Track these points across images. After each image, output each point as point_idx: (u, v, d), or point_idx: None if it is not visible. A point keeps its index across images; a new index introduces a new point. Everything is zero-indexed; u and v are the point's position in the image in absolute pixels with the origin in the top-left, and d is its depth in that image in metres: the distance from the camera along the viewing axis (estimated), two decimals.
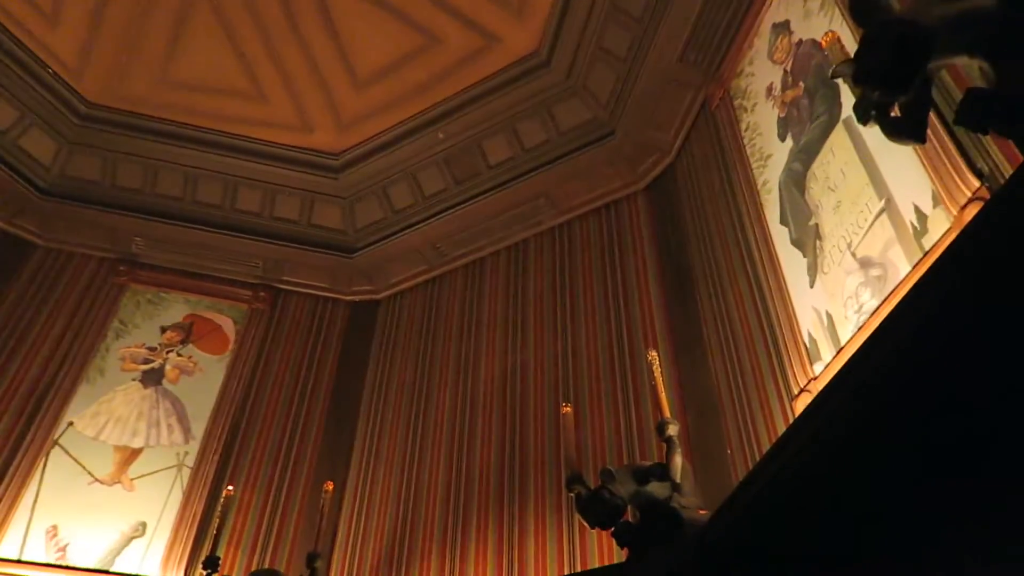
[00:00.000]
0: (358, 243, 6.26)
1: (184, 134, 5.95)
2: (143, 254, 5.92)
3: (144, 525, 4.62)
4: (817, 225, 3.20)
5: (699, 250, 4.31)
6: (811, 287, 3.17)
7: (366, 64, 5.67)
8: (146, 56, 5.66)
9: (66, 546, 4.45)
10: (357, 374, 5.61)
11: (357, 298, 6.15)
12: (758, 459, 2.35)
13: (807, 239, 3.27)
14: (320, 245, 6.22)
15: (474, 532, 4.15)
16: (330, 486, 4.24)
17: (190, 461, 4.96)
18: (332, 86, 5.82)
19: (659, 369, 2.77)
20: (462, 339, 5.28)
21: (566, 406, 3.30)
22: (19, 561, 4.34)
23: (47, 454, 4.80)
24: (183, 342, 5.60)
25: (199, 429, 5.13)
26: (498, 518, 4.12)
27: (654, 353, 2.88)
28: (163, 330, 5.62)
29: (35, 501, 4.59)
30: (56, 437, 4.89)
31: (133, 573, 4.45)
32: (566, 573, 3.54)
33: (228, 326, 5.78)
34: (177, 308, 5.77)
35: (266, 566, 4.43)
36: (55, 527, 4.51)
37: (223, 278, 5.98)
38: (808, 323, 3.12)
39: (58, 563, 4.39)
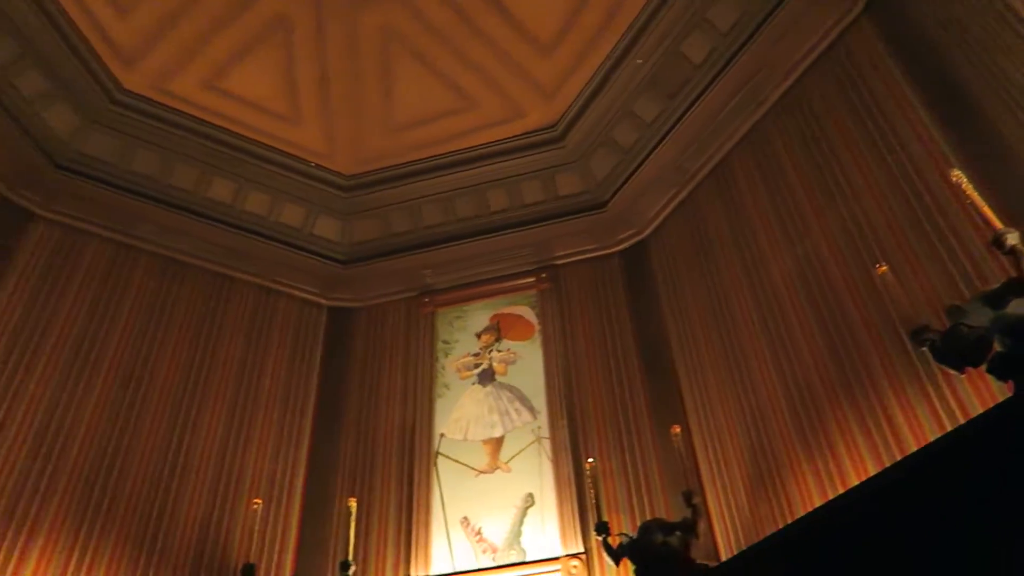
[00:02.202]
0: (605, 195, 6.46)
1: (426, 168, 6.69)
2: (436, 282, 6.73)
3: (531, 495, 5.26)
4: None
5: None
6: None
7: (544, 28, 5.89)
8: (371, 116, 6.47)
9: (480, 529, 5.22)
10: (653, 319, 5.76)
11: (626, 245, 6.33)
12: None
13: None
14: (576, 211, 6.53)
15: (832, 419, 4.07)
16: (677, 428, 4.49)
17: (544, 432, 5.54)
18: (523, 63, 6.11)
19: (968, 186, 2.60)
20: (744, 249, 5.17)
21: (881, 267, 3.22)
22: (457, 574, 5.09)
23: (435, 466, 5.67)
24: (497, 340, 6.28)
25: (540, 404, 5.71)
26: (850, 399, 4.00)
27: (957, 172, 2.70)
28: (478, 336, 6.34)
29: (443, 505, 5.45)
30: (436, 449, 5.76)
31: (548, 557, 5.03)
32: (949, 429, 3.35)
33: (527, 313, 6.35)
34: (481, 314, 6.47)
35: (647, 516, 4.68)
36: (466, 518, 5.31)
37: (505, 275, 6.55)
38: None
39: (486, 559, 5.12)
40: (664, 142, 6.01)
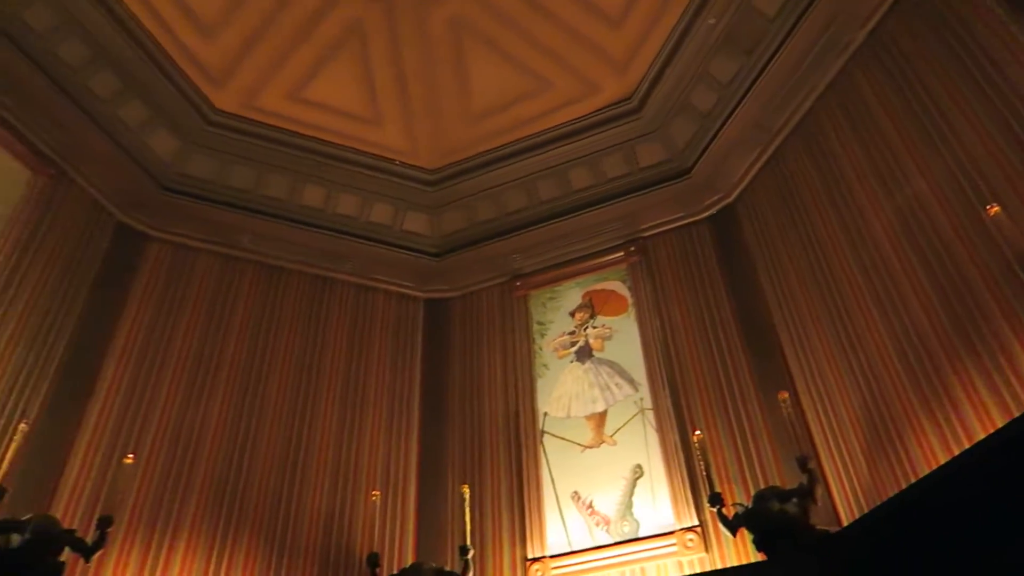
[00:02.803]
0: (688, 162, 6.37)
1: (506, 154, 6.78)
2: (526, 265, 6.83)
3: (639, 467, 5.30)
4: None
5: None
6: None
7: (610, 1, 5.84)
8: (449, 108, 6.60)
9: (591, 502, 5.30)
10: (749, 284, 5.66)
11: (714, 210, 6.22)
12: None
13: None
14: (660, 181, 6.47)
15: (951, 370, 3.90)
16: (784, 394, 4.43)
17: (647, 404, 5.56)
18: (593, 38, 6.08)
19: None
20: (839, 204, 5.00)
21: (992, 207, 3.07)
22: (573, 552, 5.16)
23: (542, 444, 5.78)
24: (591, 316, 6.32)
25: (640, 376, 5.72)
26: (968, 347, 3.82)
27: None
28: (572, 314, 6.40)
29: (552, 482, 5.57)
30: (541, 428, 5.87)
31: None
32: None
33: (619, 287, 6.36)
34: (573, 293, 6.52)
35: (759, 485, 4.63)
36: (576, 493, 5.40)
37: (594, 252, 6.58)
38: None
39: (600, 531, 5.20)
40: (744, 101, 5.86)
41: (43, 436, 4.83)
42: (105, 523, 4.30)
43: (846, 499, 4.34)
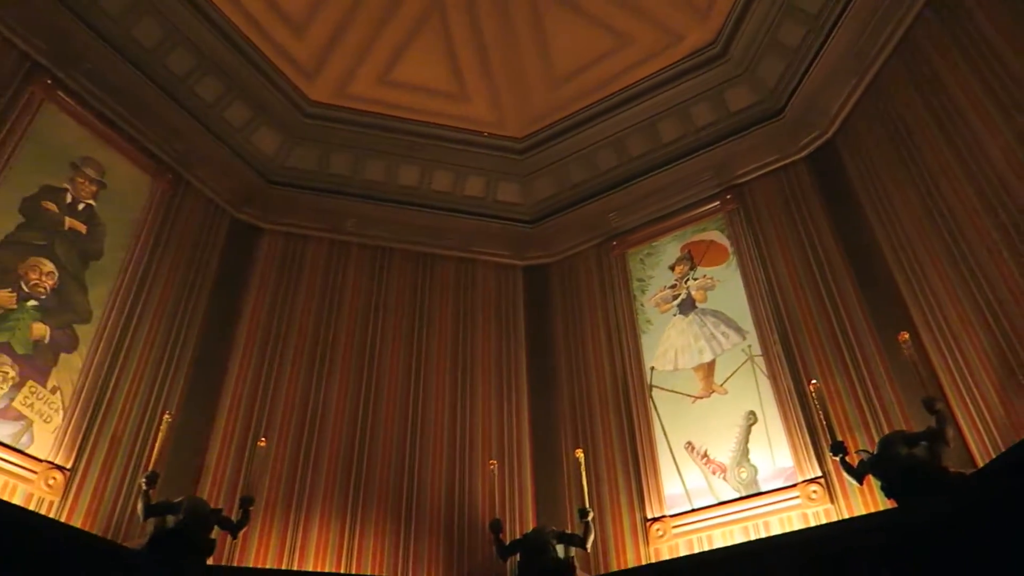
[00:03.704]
0: (780, 101, 6.18)
1: (593, 114, 6.79)
2: (621, 224, 6.84)
3: (752, 413, 5.30)
4: None
5: None
6: None
7: None
8: (532, 74, 6.67)
9: (706, 451, 5.35)
10: (856, 223, 5.49)
11: (812, 149, 6.04)
12: None
13: None
14: (751, 125, 6.33)
15: None
16: (905, 335, 4.31)
17: (756, 350, 5.53)
18: None
19: None
20: (950, 131, 4.73)
21: None
22: (693, 510, 5.16)
23: (651, 399, 5.86)
24: (691, 268, 6.29)
25: (746, 324, 5.69)
26: None
27: None
28: (671, 268, 6.39)
29: (665, 435, 5.64)
30: (649, 383, 5.95)
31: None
32: None
33: (717, 237, 6.30)
34: (671, 247, 6.51)
35: (883, 431, 4.52)
36: (689, 443, 5.45)
37: (689, 204, 6.54)
38: None
39: (717, 480, 5.24)
40: (836, 29, 5.62)
41: (184, 425, 5.28)
42: (247, 502, 4.75)
43: (979, 439, 4.18)
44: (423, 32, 6.30)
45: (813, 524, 4.57)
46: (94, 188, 5.46)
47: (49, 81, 5.28)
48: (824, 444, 4.63)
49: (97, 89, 5.59)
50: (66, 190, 5.26)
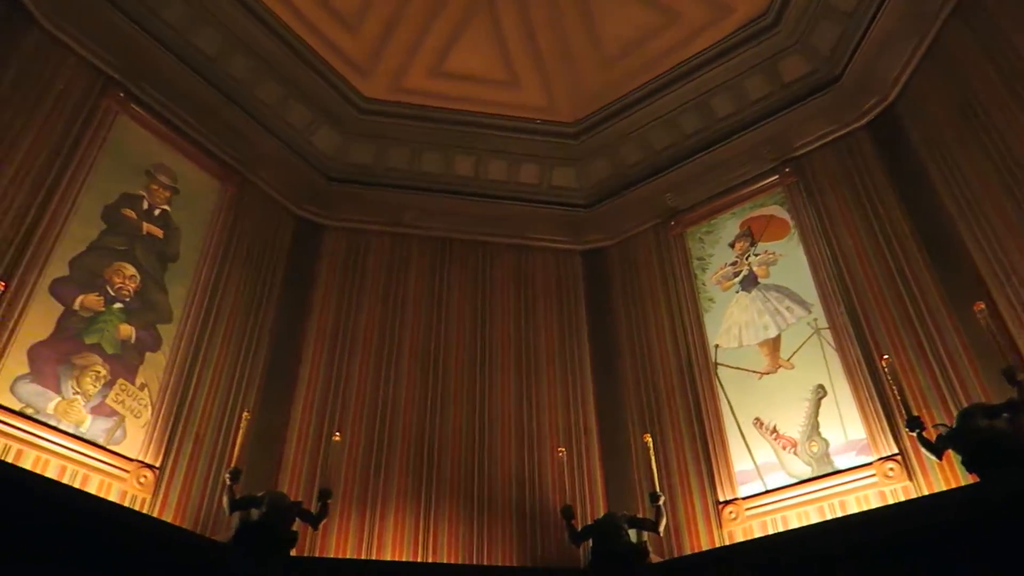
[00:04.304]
0: (837, 68, 6.03)
1: (645, 93, 6.75)
2: (678, 203, 6.81)
3: (821, 387, 5.23)
4: None
5: None
6: None
7: None
8: (581, 57, 6.66)
9: (775, 426, 5.30)
10: (922, 189, 5.32)
11: (872, 115, 5.87)
12: None
13: None
14: (808, 95, 6.20)
15: None
16: (980, 305, 4.14)
17: (822, 323, 5.45)
18: None
19: None
20: (1015, 96, 4.58)
21: None
22: (767, 491, 5.07)
23: (717, 377, 5.81)
24: (752, 244, 6.23)
25: (811, 297, 5.61)
26: None
27: None
28: (731, 245, 6.34)
29: (732, 412, 5.58)
30: (715, 361, 5.92)
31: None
32: None
33: (777, 211, 6.22)
34: (730, 223, 6.46)
35: (960, 404, 4.38)
36: (758, 419, 5.42)
37: (747, 179, 6.45)
38: None
39: (788, 455, 5.19)
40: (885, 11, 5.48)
41: (262, 422, 5.48)
42: (325, 495, 4.88)
43: None
44: (473, 22, 6.37)
45: (891, 502, 4.45)
46: (167, 193, 5.72)
47: (122, 94, 5.53)
48: (899, 420, 4.52)
49: (165, 98, 5.82)
50: (142, 197, 5.53)
